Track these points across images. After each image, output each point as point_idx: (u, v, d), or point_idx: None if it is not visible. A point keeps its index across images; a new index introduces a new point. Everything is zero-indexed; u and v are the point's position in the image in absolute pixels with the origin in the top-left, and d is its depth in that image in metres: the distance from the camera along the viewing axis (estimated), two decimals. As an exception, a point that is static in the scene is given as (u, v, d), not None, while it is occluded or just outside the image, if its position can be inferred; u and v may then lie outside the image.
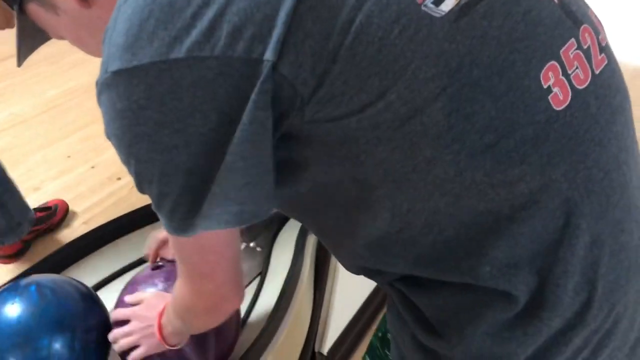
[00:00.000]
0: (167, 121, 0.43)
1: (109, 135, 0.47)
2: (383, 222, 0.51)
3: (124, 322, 0.80)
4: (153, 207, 0.50)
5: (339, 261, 0.63)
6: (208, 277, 0.56)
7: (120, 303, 0.85)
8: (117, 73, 0.43)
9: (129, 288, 0.86)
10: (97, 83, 0.45)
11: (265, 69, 0.42)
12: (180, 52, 0.41)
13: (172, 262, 0.86)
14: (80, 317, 0.78)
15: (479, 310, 0.52)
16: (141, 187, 0.49)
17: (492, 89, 0.45)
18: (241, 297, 0.60)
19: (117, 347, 0.79)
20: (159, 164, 0.45)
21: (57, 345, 0.74)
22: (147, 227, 1.19)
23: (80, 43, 0.59)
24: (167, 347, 0.75)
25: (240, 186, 0.46)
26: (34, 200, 1.69)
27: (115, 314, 0.82)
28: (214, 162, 0.44)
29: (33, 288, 0.77)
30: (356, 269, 0.61)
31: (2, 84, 2.74)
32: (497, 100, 0.45)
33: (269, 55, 0.41)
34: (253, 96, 0.42)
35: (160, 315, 0.74)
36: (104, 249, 1.14)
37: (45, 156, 2.19)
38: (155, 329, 0.74)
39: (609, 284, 0.52)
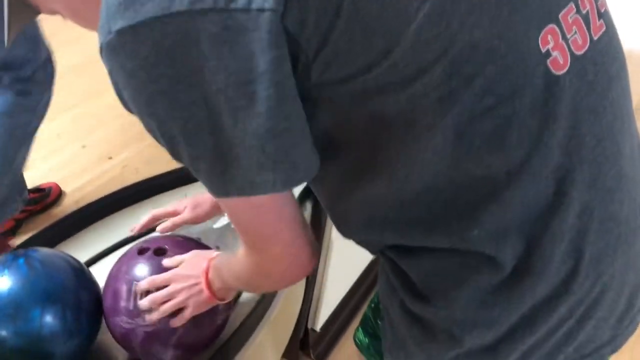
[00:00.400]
0: (180, 76, 0.42)
1: (125, 102, 0.46)
2: (381, 184, 0.51)
3: (147, 293, 0.76)
4: (192, 173, 0.48)
5: (335, 225, 0.62)
6: (273, 240, 0.54)
7: (111, 277, 0.83)
8: (120, 32, 0.41)
9: (117, 267, 0.85)
10: (101, 47, 0.44)
11: (275, 22, 0.40)
12: (182, 4, 0.40)
13: (159, 248, 0.85)
14: (70, 288, 0.78)
15: (465, 275, 0.52)
16: (174, 152, 0.47)
17: (492, 51, 0.45)
18: (315, 254, 0.58)
19: (160, 310, 0.75)
20: (181, 122, 0.44)
21: (49, 317, 0.74)
22: (139, 204, 1.19)
23: (77, 16, 0.57)
24: (217, 301, 0.73)
25: (279, 146, 0.44)
26: (25, 180, 1.68)
27: (154, 281, 0.77)
28: (239, 121, 0.43)
29: (21, 260, 0.77)
30: (351, 233, 0.60)
31: (-9, 63, 2.70)
32: (497, 62, 0.45)
33: (273, 4, 0.40)
34: (273, 52, 0.41)
35: (207, 271, 0.72)
36: (96, 225, 1.14)
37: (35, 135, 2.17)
38: (204, 286, 0.72)
39: (596, 252, 0.52)
